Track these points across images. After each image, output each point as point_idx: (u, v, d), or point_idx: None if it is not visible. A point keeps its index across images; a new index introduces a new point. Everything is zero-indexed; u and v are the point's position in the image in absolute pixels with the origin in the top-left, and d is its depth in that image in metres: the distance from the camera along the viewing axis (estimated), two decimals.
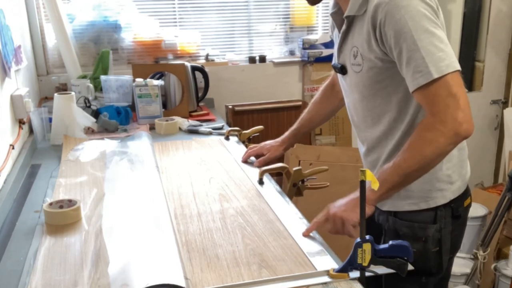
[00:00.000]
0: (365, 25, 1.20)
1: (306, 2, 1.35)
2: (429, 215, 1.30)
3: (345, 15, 1.26)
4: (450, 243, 1.33)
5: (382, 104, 1.28)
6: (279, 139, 1.77)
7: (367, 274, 1.02)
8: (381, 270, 1.02)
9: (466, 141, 1.27)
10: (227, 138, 2.07)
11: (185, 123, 2.25)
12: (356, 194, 1.17)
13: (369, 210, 1.19)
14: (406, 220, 1.31)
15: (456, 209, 1.32)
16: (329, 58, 3.07)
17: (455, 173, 1.31)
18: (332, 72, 1.60)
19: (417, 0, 1.13)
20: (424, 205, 1.30)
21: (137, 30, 2.77)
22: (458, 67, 1.13)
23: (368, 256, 1.00)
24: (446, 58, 1.12)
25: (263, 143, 1.79)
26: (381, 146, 1.34)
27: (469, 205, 1.39)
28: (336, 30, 1.38)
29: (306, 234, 1.22)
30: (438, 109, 1.12)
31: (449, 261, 1.38)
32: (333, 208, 1.23)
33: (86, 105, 2.19)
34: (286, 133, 1.76)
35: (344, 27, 1.29)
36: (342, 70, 1.35)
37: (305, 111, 1.75)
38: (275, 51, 3.06)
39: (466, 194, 1.36)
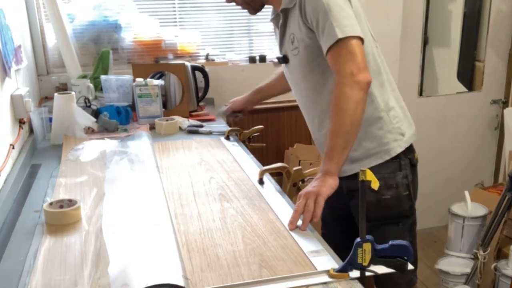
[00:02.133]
0: (296, 12, 1.43)
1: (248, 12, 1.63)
2: (394, 165, 1.51)
3: (280, 9, 1.49)
4: (413, 189, 1.56)
5: (320, 80, 1.48)
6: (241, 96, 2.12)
7: (367, 274, 1.02)
8: (381, 269, 1.02)
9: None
10: (227, 138, 2.08)
11: (185, 123, 2.25)
12: (319, 173, 1.33)
13: (334, 181, 1.32)
14: (377, 173, 1.40)
15: (412, 159, 1.56)
16: None
17: (403, 125, 1.54)
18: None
19: None
20: (386, 156, 1.50)
21: (137, 30, 2.77)
22: (360, 34, 1.35)
23: (368, 256, 1.00)
24: (350, 25, 1.34)
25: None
26: (327, 117, 1.45)
27: (417, 159, 1.60)
28: (278, 32, 1.58)
29: (292, 228, 1.27)
30: (339, 67, 1.34)
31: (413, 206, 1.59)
32: (305, 189, 1.33)
33: (86, 105, 2.19)
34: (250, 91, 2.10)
35: (281, 20, 1.51)
36: (285, 59, 1.56)
37: (270, 77, 2.02)
38: (275, 50, 3.05)
39: (413, 148, 1.58)
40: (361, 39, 1.36)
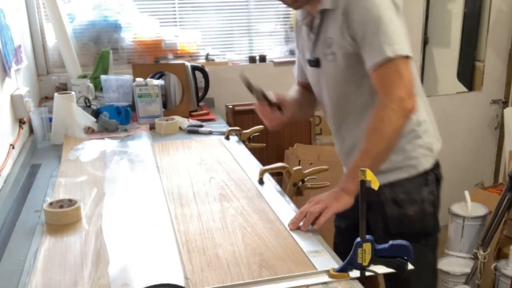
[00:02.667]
0: (337, 14, 1.32)
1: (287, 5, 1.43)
2: (420, 180, 1.43)
3: (319, 8, 1.35)
4: (438, 205, 1.49)
5: (356, 89, 1.39)
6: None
7: (367, 274, 1.02)
8: (381, 269, 1.02)
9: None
10: (227, 138, 2.08)
11: (185, 123, 2.25)
12: (338, 188, 1.28)
13: (349, 201, 1.26)
14: (401, 186, 1.42)
15: (438, 175, 1.49)
16: None
17: (433, 140, 1.46)
18: (296, 82, 1.69)
19: None
20: (413, 170, 1.42)
21: (137, 30, 2.77)
22: (410, 54, 1.27)
23: (368, 256, 1.00)
24: (400, 43, 1.25)
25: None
26: (356, 128, 1.42)
27: (442, 175, 1.53)
28: (306, 33, 1.47)
29: (293, 228, 1.26)
30: (386, 88, 1.26)
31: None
32: (318, 196, 1.30)
33: (86, 105, 2.19)
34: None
35: (317, 21, 1.38)
36: (317, 63, 1.44)
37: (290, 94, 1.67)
38: (275, 50, 3.05)
39: (439, 164, 1.51)
40: (410, 58, 1.28)
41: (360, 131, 1.36)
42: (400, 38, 1.25)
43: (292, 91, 1.68)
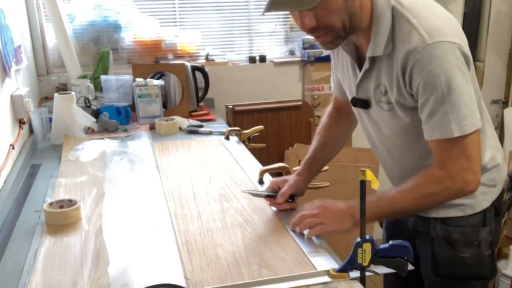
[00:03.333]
0: (394, 67, 1.13)
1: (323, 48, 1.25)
2: (478, 218, 1.26)
3: (369, 55, 1.16)
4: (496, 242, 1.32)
5: (413, 141, 1.22)
6: (294, 175, 1.47)
7: (367, 274, 1.02)
8: (381, 270, 1.02)
9: None
10: (227, 138, 2.08)
11: (185, 123, 2.25)
12: (348, 206, 1.18)
13: (351, 227, 1.16)
14: (455, 225, 1.26)
15: (499, 207, 1.30)
16: (329, 58, 3.06)
17: (498, 174, 1.28)
18: (333, 98, 1.51)
19: (451, 51, 1.07)
20: (469, 210, 1.25)
21: (137, 30, 2.77)
22: (479, 125, 1.11)
23: (368, 256, 1.00)
24: (470, 116, 1.08)
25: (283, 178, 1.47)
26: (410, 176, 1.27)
27: (505, 200, 1.36)
28: (342, 62, 1.30)
29: (292, 228, 1.24)
30: (449, 166, 1.11)
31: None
32: (323, 203, 1.23)
33: (86, 105, 2.19)
34: (301, 166, 1.49)
35: (366, 65, 1.19)
36: (366, 104, 1.25)
37: (315, 139, 1.50)
38: (275, 51, 3.06)
39: (502, 195, 1.33)
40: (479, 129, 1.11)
41: (413, 170, 1.23)
42: (470, 111, 1.08)
43: (321, 127, 1.50)
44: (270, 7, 1.11)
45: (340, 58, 1.32)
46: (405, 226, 1.36)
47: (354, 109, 1.33)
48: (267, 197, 1.40)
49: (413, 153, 1.25)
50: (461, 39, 1.11)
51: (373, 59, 1.17)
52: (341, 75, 1.35)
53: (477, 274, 1.28)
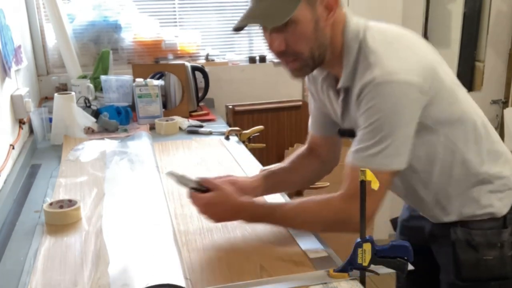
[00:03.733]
0: (353, 99, 1.14)
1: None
2: (499, 220, 1.25)
3: (339, 86, 1.17)
4: None
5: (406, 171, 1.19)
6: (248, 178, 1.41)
7: (367, 274, 1.02)
8: (382, 270, 1.02)
9: None
10: (227, 138, 2.08)
11: (185, 123, 2.25)
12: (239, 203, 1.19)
13: (233, 218, 1.19)
14: (477, 228, 1.25)
15: None
16: None
17: (510, 181, 1.26)
18: (308, 137, 1.45)
19: (400, 92, 1.06)
20: (488, 216, 1.24)
21: (137, 30, 2.77)
22: (400, 167, 1.10)
23: (368, 256, 0.99)
24: (395, 157, 1.08)
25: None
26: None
27: None
28: (323, 93, 1.29)
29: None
30: (353, 200, 1.03)
31: None
32: (220, 193, 1.20)
33: (86, 105, 2.19)
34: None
35: (342, 95, 1.19)
36: (352, 133, 1.21)
37: (283, 163, 1.45)
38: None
39: None
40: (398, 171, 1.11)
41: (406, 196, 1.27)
42: (397, 151, 1.08)
43: (291, 156, 1.45)
44: (241, 22, 1.16)
45: (325, 92, 1.29)
46: (422, 231, 1.34)
47: (343, 139, 1.32)
48: (193, 189, 1.23)
49: (403, 178, 1.23)
50: (423, 77, 1.08)
51: (347, 90, 1.16)
52: (327, 109, 1.32)
53: (499, 275, 1.26)
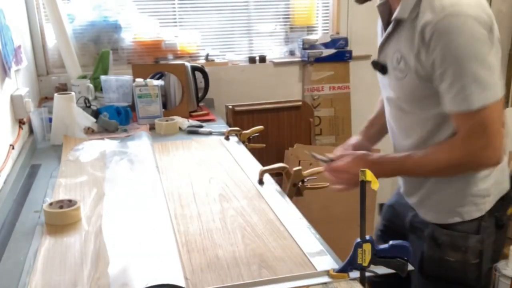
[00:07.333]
0: (415, 35, 1.12)
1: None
2: (472, 225, 1.25)
3: (393, 17, 1.17)
4: (492, 253, 1.28)
5: (420, 115, 1.23)
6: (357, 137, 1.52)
7: (367, 274, 1.02)
8: (381, 270, 1.02)
9: None
10: (227, 138, 2.08)
11: (185, 123, 2.25)
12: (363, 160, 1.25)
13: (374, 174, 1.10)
14: (447, 228, 1.26)
15: (500, 218, 1.27)
16: (329, 58, 3.08)
17: (492, 188, 1.26)
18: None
19: (472, 20, 1.06)
20: (458, 218, 1.25)
21: (137, 30, 2.77)
22: (500, 95, 1.09)
23: (368, 256, 0.99)
24: (491, 87, 1.08)
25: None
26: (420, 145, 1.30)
27: (510, 213, 1.33)
28: (381, 22, 1.30)
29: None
30: (469, 142, 1.12)
31: (489, 271, 1.32)
32: (346, 164, 1.28)
33: (86, 105, 2.19)
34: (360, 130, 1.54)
35: (390, 28, 1.21)
36: (383, 69, 1.26)
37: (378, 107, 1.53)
38: (275, 51, 3.06)
39: (508, 202, 1.30)
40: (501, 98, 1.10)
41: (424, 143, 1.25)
42: (490, 80, 1.07)
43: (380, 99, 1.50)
44: None
45: (379, 27, 1.33)
46: (403, 219, 1.37)
47: (377, 74, 1.33)
48: (324, 161, 1.37)
49: (423, 124, 1.24)
50: (486, 13, 1.10)
51: (398, 24, 1.18)
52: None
53: (461, 279, 1.27)
